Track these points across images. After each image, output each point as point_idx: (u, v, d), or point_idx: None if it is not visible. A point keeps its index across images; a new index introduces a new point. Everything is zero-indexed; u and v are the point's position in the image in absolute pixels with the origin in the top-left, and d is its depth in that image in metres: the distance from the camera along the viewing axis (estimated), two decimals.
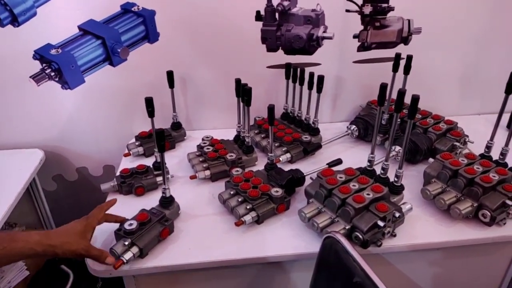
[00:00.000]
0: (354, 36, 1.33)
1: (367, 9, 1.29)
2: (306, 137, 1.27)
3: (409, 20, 1.33)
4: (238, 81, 1.16)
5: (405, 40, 1.36)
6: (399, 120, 1.25)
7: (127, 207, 1.02)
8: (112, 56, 1.23)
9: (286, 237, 0.95)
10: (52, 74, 1.21)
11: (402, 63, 1.20)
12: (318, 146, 1.27)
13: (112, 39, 1.20)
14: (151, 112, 1.03)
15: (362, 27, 1.32)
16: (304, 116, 1.33)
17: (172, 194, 0.99)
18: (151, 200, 1.05)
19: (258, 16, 1.26)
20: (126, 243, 0.84)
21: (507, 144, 1.06)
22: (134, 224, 0.87)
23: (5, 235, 0.72)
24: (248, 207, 0.97)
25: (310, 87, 1.25)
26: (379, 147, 1.27)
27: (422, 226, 0.98)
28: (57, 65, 1.19)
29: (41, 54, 1.18)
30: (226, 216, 1.02)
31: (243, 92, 1.11)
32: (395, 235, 0.93)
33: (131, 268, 0.86)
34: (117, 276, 0.88)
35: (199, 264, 0.89)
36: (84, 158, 1.44)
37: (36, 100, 1.28)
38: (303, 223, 0.97)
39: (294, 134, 1.28)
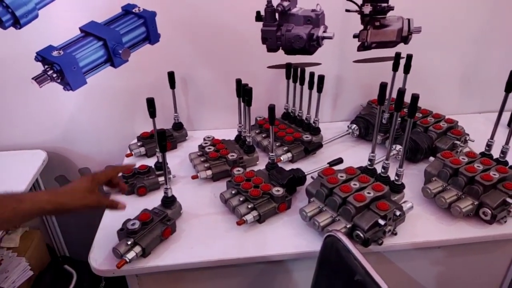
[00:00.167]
0: (354, 36, 1.33)
1: (367, 9, 1.29)
2: (307, 137, 1.27)
3: (409, 20, 1.34)
4: (238, 81, 1.17)
5: (405, 40, 1.37)
6: (399, 119, 1.25)
7: (130, 207, 1.02)
8: (113, 57, 1.24)
9: (288, 236, 0.96)
10: (54, 75, 1.22)
11: (402, 62, 1.21)
12: (319, 146, 1.28)
13: (114, 41, 1.21)
14: (152, 112, 1.04)
15: (362, 27, 1.32)
16: (304, 116, 1.34)
17: (174, 194, 1.00)
18: (153, 200, 1.05)
19: (258, 17, 1.27)
20: (129, 242, 0.85)
21: (507, 143, 1.07)
22: (137, 223, 0.88)
23: (12, 197, 0.73)
24: (249, 206, 0.98)
25: (310, 87, 1.26)
26: (379, 146, 1.27)
27: (423, 225, 0.98)
28: (59, 67, 1.20)
29: (43, 56, 1.19)
30: (227, 215, 1.02)
31: (244, 92, 1.12)
32: (396, 234, 0.94)
33: (134, 267, 0.87)
34: (120, 275, 0.89)
35: (201, 263, 0.90)
36: (86, 159, 1.45)
37: (38, 102, 1.29)
38: (304, 222, 0.98)
39: (295, 133, 1.29)
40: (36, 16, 1.16)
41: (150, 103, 1.02)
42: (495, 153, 1.10)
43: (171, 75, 1.26)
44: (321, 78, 1.22)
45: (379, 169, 1.05)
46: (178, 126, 1.38)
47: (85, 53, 1.21)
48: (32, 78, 1.23)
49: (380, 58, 1.38)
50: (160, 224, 0.92)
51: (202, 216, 1.03)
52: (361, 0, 1.27)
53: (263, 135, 1.34)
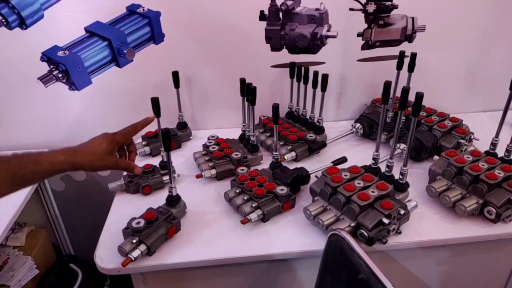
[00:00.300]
0: (358, 35, 1.33)
1: (371, 7, 1.29)
2: (310, 136, 1.27)
3: (413, 18, 1.33)
4: (243, 81, 1.17)
5: (409, 38, 1.37)
6: (403, 118, 1.25)
7: (134, 205, 1.04)
8: (118, 57, 1.25)
9: (292, 235, 0.96)
10: (60, 75, 1.23)
11: (406, 61, 1.20)
12: (323, 145, 1.28)
13: (118, 41, 1.22)
14: (157, 112, 1.05)
15: (366, 26, 1.32)
16: (308, 115, 1.34)
17: (178, 193, 1.00)
18: (157, 199, 1.06)
19: (262, 16, 1.27)
20: (134, 241, 0.86)
21: None
22: (142, 222, 0.88)
23: (30, 158, 0.73)
24: (253, 205, 0.98)
25: (314, 86, 1.26)
26: (383, 145, 1.27)
27: (427, 224, 0.98)
28: (64, 67, 1.21)
29: (48, 56, 1.20)
30: (232, 214, 1.03)
31: (248, 92, 1.12)
32: (400, 233, 0.94)
33: (139, 265, 0.87)
34: (125, 273, 0.89)
35: (205, 261, 0.90)
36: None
37: (43, 101, 1.30)
38: (308, 221, 0.98)
39: (299, 132, 1.29)
40: (42, 17, 1.17)
41: (155, 102, 1.03)
42: (500, 152, 1.09)
43: (175, 75, 1.26)
44: (325, 77, 1.22)
45: (382, 168, 1.05)
46: (182, 125, 1.38)
47: (90, 53, 1.21)
48: (38, 78, 1.24)
49: (384, 57, 1.38)
50: (165, 222, 0.92)
51: (206, 215, 1.03)
52: None
53: (267, 134, 1.34)
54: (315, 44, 1.33)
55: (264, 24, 1.28)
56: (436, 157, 1.11)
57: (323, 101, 1.27)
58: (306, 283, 1.01)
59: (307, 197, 1.07)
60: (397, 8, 1.30)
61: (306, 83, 1.29)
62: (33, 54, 1.20)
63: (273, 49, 1.33)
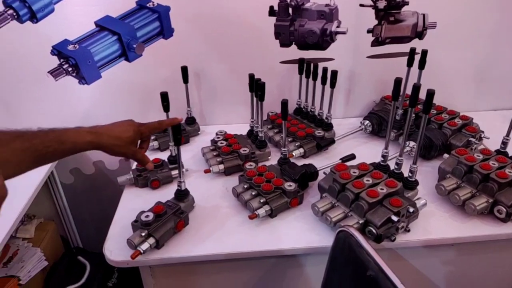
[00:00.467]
0: (368, 31, 1.32)
1: (382, 4, 1.28)
2: (319, 132, 1.27)
3: (424, 15, 1.32)
4: (251, 76, 1.17)
5: (420, 35, 1.35)
6: (413, 115, 1.24)
7: (143, 199, 1.05)
8: (127, 51, 1.25)
9: (299, 231, 0.96)
10: (70, 69, 1.24)
11: (416, 58, 1.19)
12: (331, 141, 1.27)
13: (128, 35, 1.22)
14: (166, 106, 1.05)
15: (376, 22, 1.31)
16: (317, 111, 1.33)
17: (187, 188, 1.01)
18: (166, 193, 1.06)
19: (272, 11, 1.26)
20: (143, 234, 0.86)
21: None
22: (151, 216, 0.89)
23: (54, 137, 0.74)
24: (261, 200, 0.98)
25: (323, 82, 1.25)
26: (392, 142, 1.26)
27: (436, 222, 0.98)
28: (74, 61, 1.22)
29: (59, 50, 1.21)
30: (239, 209, 1.03)
31: (257, 87, 1.12)
32: (409, 230, 0.93)
33: (148, 258, 0.88)
34: (134, 266, 0.90)
35: (213, 256, 0.91)
36: (100, 152, 1.46)
37: (53, 95, 1.31)
38: (316, 217, 0.98)
39: (307, 129, 1.28)
40: (52, 10, 1.17)
41: (164, 97, 1.03)
42: (511, 150, 1.08)
43: (184, 70, 1.26)
44: (334, 73, 1.21)
45: (391, 166, 1.05)
46: (191, 120, 1.39)
47: (100, 47, 1.22)
48: (48, 72, 1.24)
49: (394, 54, 1.37)
50: (174, 216, 0.93)
51: (214, 209, 1.04)
52: None
53: (275, 131, 1.34)
54: (324, 40, 1.32)
55: (273, 19, 1.28)
56: (445, 155, 1.11)
57: (332, 98, 1.26)
58: (313, 279, 1.01)
59: (315, 193, 1.06)
60: (408, 4, 1.29)
61: (315, 79, 1.29)
62: (43, 48, 1.21)
63: (282, 45, 1.33)
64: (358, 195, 0.92)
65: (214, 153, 1.21)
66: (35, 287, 1.25)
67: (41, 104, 1.33)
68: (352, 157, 1.17)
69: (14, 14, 1.15)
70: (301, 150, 1.23)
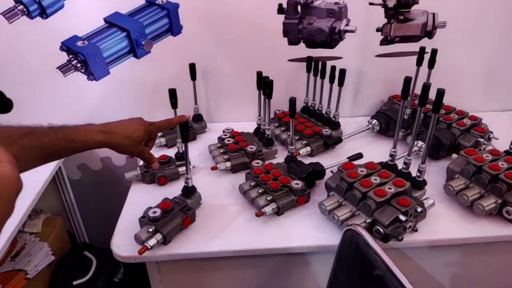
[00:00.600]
0: (377, 30, 1.32)
1: (391, 2, 1.27)
2: (326, 131, 1.27)
3: (433, 14, 1.31)
4: (259, 74, 1.17)
5: (429, 34, 1.34)
6: (422, 114, 1.23)
7: (150, 195, 1.05)
8: (136, 48, 1.25)
9: (306, 229, 0.96)
10: (79, 65, 1.25)
11: (425, 57, 1.18)
12: (339, 140, 1.27)
13: (137, 32, 1.23)
14: (174, 103, 1.05)
15: (385, 20, 1.30)
16: (324, 110, 1.33)
17: (193, 184, 1.01)
18: (172, 190, 1.06)
19: (280, 9, 1.26)
20: (150, 230, 0.86)
21: None
22: (158, 212, 0.89)
23: (64, 135, 0.74)
24: (268, 198, 0.98)
25: (331, 81, 1.25)
26: (400, 142, 1.25)
27: (444, 222, 0.97)
28: (83, 57, 1.22)
29: (68, 46, 1.22)
30: (246, 207, 1.03)
31: (265, 85, 1.12)
32: (416, 230, 0.93)
33: (155, 254, 0.88)
34: (141, 262, 0.90)
35: (219, 252, 0.91)
36: (108, 149, 1.47)
37: (62, 91, 1.31)
38: (323, 215, 0.97)
39: (315, 127, 1.28)
40: (62, 6, 1.18)
41: (172, 94, 1.03)
42: None
43: (192, 67, 1.27)
44: (343, 72, 1.21)
45: (399, 165, 1.04)
46: (197, 117, 1.39)
47: (108, 44, 1.22)
48: (57, 68, 1.25)
49: (403, 53, 1.36)
50: (181, 213, 0.93)
51: (221, 206, 1.04)
52: None
53: (282, 129, 1.33)
54: (333, 38, 1.31)
55: (282, 17, 1.27)
56: (454, 156, 1.10)
57: (339, 96, 1.26)
58: (319, 277, 1.01)
59: (322, 192, 1.06)
60: (417, 3, 1.28)
61: (323, 77, 1.28)
62: (52, 44, 1.21)
63: (291, 43, 1.32)
64: (365, 194, 0.92)
65: (221, 151, 1.21)
66: (42, 281, 1.26)
67: (50, 100, 1.33)
68: (359, 156, 1.16)
69: (24, 9, 1.16)
70: (308, 148, 1.23)
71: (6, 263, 1.19)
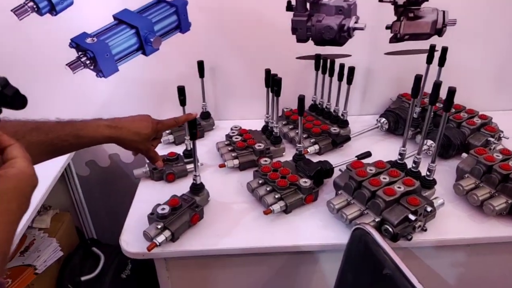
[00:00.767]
0: (387, 27, 1.30)
1: (401, 0, 1.26)
2: (334, 129, 1.26)
3: (443, 11, 1.30)
4: (268, 71, 1.16)
5: (439, 32, 1.33)
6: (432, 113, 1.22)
7: (158, 192, 1.06)
8: (145, 45, 1.25)
9: (314, 227, 0.96)
10: (88, 62, 1.25)
11: (435, 55, 1.17)
12: (347, 138, 1.26)
13: (146, 29, 1.23)
14: (183, 100, 1.05)
15: (395, 18, 1.29)
16: (333, 108, 1.32)
17: (202, 182, 1.01)
18: (180, 187, 1.07)
19: (289, 6, 1.26)
20: (159, 226, 0.87)
21: None
22: (166, 208, 0.89)
23: (71, 131, 0.74)
24: (276, 196, 0.98)
25: (340, 79, 1.24)
26: (409, 141, 1.24)
27: (454, 222, 0.96)
28: (92, 54, 1.23)
29: (77, 43, 1.22)
30: (254, 204, 1.03)
31: (273, 83, 1.11)
32: (425, 230, 0.92)
33: (163, 251, 0.89)
34: (149, 258, 0.91)
35: (227, 250, 0.91)
36: (116, 145, 1.48)
37: (71, 88, 1.32)
38: (331, 214, 0.97)
39: (323, 126, 1.28)
40: (71, 3, 1.18)
41: (181, 91, 1.03)
42: None
43: (200, 64, 1.26)
44: (352, 69, 1.20)
45: (408, 164, 1.03)
46: (205, 115, 1.39)
47: (117, 41, 1.23)
48: (66, 64, 1.26)
49: (413, 51, 1.35)
50: (189, 210, 0.93)
51: (229, 204, 1.04)
52: None
53: (290, 127, 1.33)
54: (341, 36, 1.31)
55: (290, 14, 1.27)
56: (464, 155, 1.09)
57: (348, 95, 1.25)
58: (327, 275, 1.01)
59: (330, 190, 1.06)
60: (427, 1, 1.27)
61: (331, 75, 1.28)
62: (62, 41, 1.22)
63: (299, 40, 1.31)
64: (374, 193, 0.91)
65: (229, 148, 1.21)
66: (50, 276, 1.27)
67: (58, 97, 1.34)
68: (368, 154, 1.16)
69: (34, 6, 1.16)
70: (316, 146, 1.22)
71: (15, 259, 1.20)
